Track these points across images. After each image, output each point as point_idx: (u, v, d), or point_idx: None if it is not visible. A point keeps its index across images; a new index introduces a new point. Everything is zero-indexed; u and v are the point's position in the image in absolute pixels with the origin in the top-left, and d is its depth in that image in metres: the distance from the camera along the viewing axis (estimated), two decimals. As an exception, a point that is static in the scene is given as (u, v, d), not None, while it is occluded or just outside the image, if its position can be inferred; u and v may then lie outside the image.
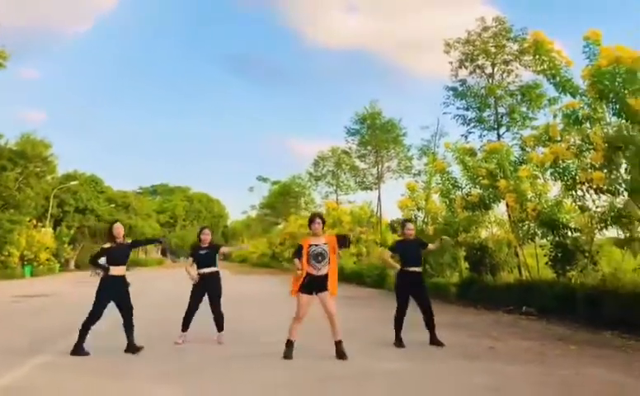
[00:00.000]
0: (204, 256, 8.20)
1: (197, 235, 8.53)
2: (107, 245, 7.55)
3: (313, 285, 6.80)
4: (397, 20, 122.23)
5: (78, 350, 7.05)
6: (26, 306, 14.93)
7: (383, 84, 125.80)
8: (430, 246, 8.69)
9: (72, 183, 52.45)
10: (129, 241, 7.99)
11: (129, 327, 7.35)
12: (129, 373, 6.18)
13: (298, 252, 7.06)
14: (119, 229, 7.55)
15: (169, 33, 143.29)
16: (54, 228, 47.35)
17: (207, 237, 8.31)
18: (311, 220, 7.12)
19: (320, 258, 6.80)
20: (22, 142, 40.77)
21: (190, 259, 8.33)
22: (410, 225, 8.32)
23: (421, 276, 7.99)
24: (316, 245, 6.88)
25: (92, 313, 7.23)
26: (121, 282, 7.42)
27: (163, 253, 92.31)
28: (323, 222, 7.12)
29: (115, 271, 7.38)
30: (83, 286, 24.93)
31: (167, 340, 8.29)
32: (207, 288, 8.13)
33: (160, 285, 23.47)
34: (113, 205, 60.47)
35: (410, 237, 8.16)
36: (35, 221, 39.80)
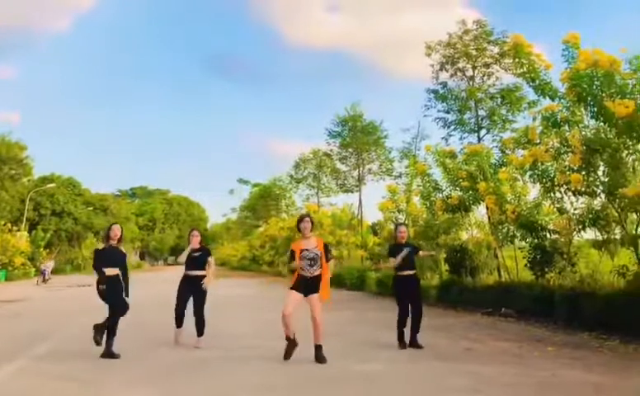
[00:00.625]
0: (195, 258, 8.15)
1: (187, 237, 8.54)
2: (101, 246, 7.55)
3: (304, 285, 6.74)
4: (378, 20, 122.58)
5: (110, 352, 7.05)
6: (0, 311, 14.59)
7: (363, 85, 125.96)
8: (421, 253, 8.69)
9: (49, 186, 51.62)
10: (124, 250, 7.78)
11: (111, 332, 7.17)
12: (104, 377, 6.03)
13: (291, 258, 6.97)
14: (115, 231, 7.52)
15: (148, 33, 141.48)
16: (30, 232, 46.35)
17: (196, 238, 8.28)
18: (300, 220, 7.08)
19: (312, 262, 6.77)
20: (-3, 143, 40.03)
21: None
22: (402, 228, 8.29)
23: (414, 279, 7.96)
24: (307, 250, 6.82)
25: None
26: (115, 282, 7.27)
27: (142, 257, 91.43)
28: (312, 222, 7.06)
29: (109, 271, 7.27)
30: (58, 291, 24.50)
31: (143, 344, 8.15)
32: (193, 290, 8.04)
33: (136, 289, 23.10)
34: (91, 208, 59.68)
35: (402, 241, 8.12)
36: (10, 224, 38.93)
